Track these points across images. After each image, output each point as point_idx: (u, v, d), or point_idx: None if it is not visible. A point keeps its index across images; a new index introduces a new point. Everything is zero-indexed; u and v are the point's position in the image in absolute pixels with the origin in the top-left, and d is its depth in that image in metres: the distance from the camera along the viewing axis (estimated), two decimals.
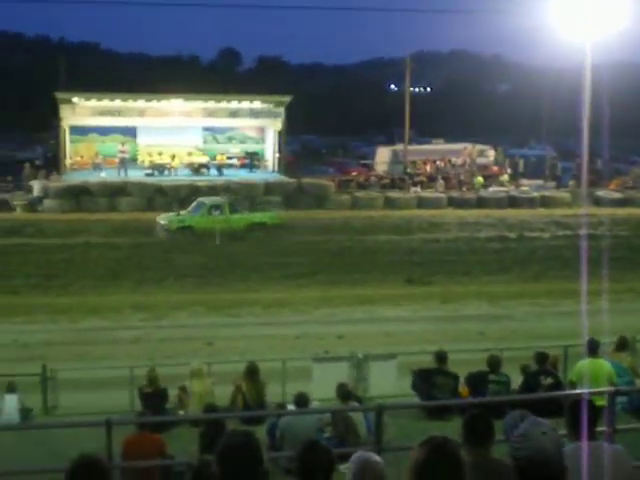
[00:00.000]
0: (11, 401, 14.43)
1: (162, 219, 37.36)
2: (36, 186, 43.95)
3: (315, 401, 12.51)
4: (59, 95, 50.03)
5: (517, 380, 13.19)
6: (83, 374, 17.45)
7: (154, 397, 13.22)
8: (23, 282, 28.46)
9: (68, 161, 50.71)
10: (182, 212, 38.36)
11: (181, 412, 13.37)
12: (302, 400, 11.37)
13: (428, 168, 56.89)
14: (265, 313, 24.86)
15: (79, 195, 43.09)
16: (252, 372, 13.36)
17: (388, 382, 15.05)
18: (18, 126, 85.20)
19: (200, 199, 39.11)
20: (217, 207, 37.86)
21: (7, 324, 23.17)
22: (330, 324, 23.17)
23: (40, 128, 76.51)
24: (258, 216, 38.62)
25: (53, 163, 52.95)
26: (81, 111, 49.92)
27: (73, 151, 51.61)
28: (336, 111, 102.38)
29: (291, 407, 11.90)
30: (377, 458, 4.24)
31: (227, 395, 13.58)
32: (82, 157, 51.60)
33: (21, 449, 11.10)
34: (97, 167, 49.71)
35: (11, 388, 14.64)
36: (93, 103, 50.32)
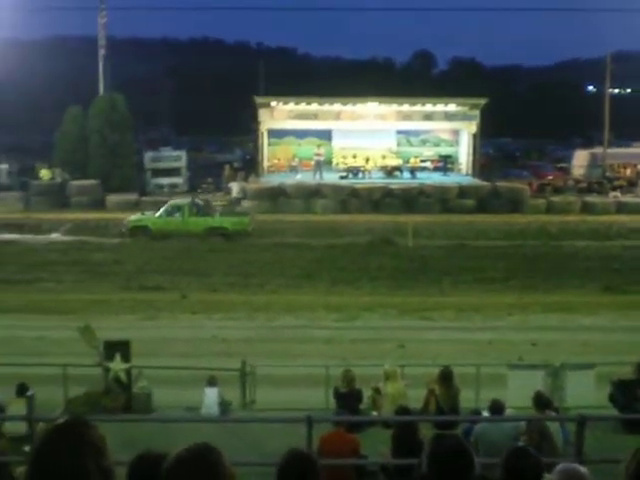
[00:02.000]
0: (211, 394, 14.98)
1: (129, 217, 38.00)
2: (235, 187, 45.48)
3: (510, 408, 12.32)
4: (258, 99, 51.53)
5: None
6: (279, 371, 17.86)
7: (349, 397, 13.39)
8: (222, 280, 29.49)
9: (266, 163, 52.11)
10: (147, 212, 38.58)
11: (374, 413, 13.47)
12: (497, 407, 11.21)
13: (628, 172, 54.88)
14: (457, 317, 24.64)
15: (276, 197, 44.22)
16: (446, 376, 13.29)
17: (585, 392, 14.59)
18: (219, 129, 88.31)
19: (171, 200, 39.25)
20: (178, 209, 37.50)
21: (207, 320, 24.09)
22: (524, 331, 22.69)
23: (239, 131, 79.01)
24: (217, 220, 37.46)
25: (251, 165, 54.61)
26: (279, 115, 51.18)
27: (271, 154, 52.99)
28: (532, 113, 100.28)
29: (485, 413, 11.76)
30: (583, 469, 4.13)
31: (419, 398, 13.57)
32: (279, 160, 52.93)
33: (221, 441, 11.46)
34: (293, 169, 50.89)
35: (212, 382, 15.20)
36: (290, 107, 51.47)
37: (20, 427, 11.66)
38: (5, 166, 51.83)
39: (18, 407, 12.13)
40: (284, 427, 11.45)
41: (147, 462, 3.87)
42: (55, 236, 37.34)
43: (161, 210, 37.72)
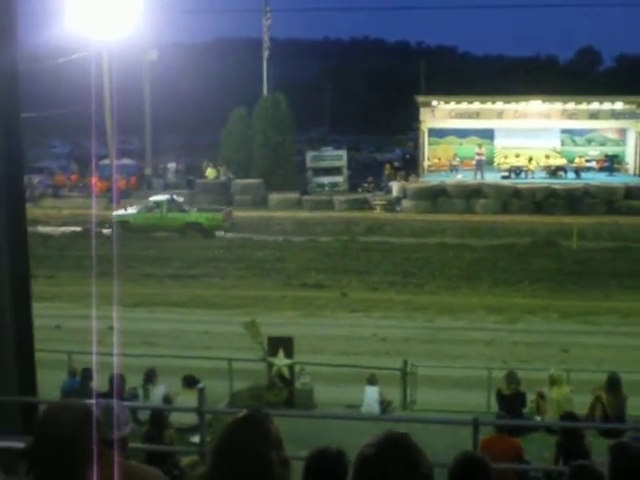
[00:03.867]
0: (372, 393, 15.09)
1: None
2: (395, 187, 45.51)
3: None
4: (419, 99, 51.34)
5: None
6: (439, 371, 17.82)
7: (513, 400, 13.20)
8: (382, 279, 29.60)
9: (426, 163, 51.85)
10: (129, 208, 40.11)
11: (537, 418, 13.23)
12: None
13: None
14: (623, 322, 23.91)
15: (436, 196, 43.99)
16: (614, 383, 12.92)
17: None
18: (379, 129, 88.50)
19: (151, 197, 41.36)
20: (157, 205, 39.52)
21: (367, 318, 24.28)
22: None
23: (400, 130, 78.97)
24: (193, 216, 39.31)
25: (411, 165, 54.50)
26: (440, 114, 50.80)
27: (431, 153, 52.63)
28: None
29: None
30: None
31: (584, 404, 13.24)
32: (439, 159, 52.49)
33: None
34: (454, 169, 50.40)
35: (372, 380, 15.31)
36: (452, 106, 51.00)
37: (187, 418, 12.02)
38: (173, 165, 53.66)
39: (186, 398, 12.51)
40: (444, 428, 11.40)
41: (326, 457, 3.94)
42: (218, 233, 38.45)
43: (141, 206, 40.09)
